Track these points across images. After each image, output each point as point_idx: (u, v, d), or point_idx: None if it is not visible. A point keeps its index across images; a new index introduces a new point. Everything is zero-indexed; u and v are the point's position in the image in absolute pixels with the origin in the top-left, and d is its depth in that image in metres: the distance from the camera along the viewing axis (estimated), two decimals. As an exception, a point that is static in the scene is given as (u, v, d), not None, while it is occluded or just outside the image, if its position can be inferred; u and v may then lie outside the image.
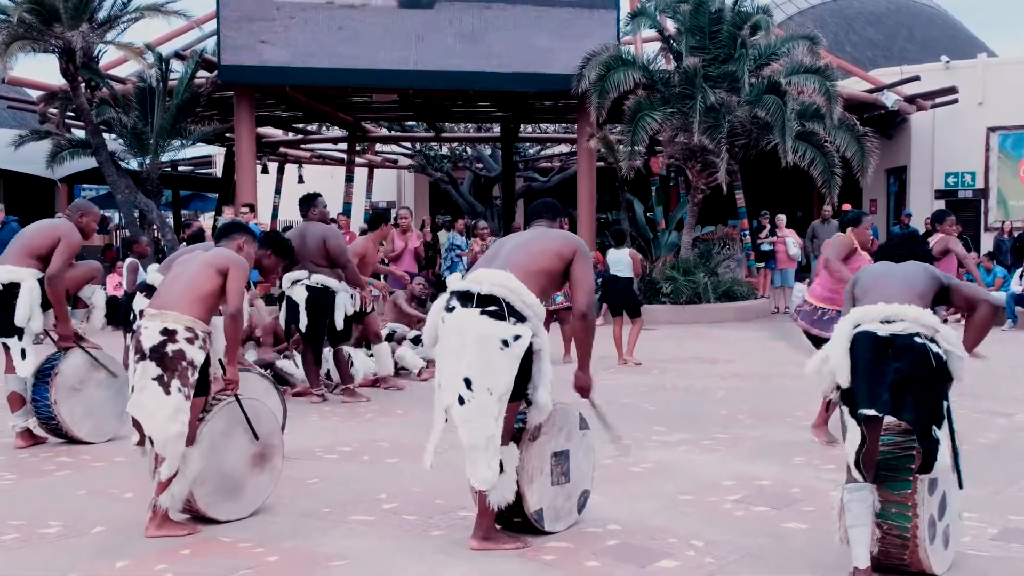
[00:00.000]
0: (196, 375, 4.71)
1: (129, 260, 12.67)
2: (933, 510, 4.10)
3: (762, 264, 18.21)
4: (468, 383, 4.25)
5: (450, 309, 4.40)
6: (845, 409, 4.11)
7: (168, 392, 4.64)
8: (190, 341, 4.70)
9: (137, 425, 4.79)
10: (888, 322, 4.03)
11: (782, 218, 18.07)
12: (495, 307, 4.28)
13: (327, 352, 8.69)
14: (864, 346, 4.03)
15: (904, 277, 4.30)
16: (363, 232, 9.85)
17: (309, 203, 8.72)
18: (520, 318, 4.29)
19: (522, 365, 4.28)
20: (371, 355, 9.36)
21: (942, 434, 3.98)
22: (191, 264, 5.01)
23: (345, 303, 8.56)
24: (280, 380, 8.63)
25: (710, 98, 15.29)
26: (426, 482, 5.45)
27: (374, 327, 9.28)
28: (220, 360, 4.95)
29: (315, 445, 6.70)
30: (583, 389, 4.63)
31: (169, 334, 4.69)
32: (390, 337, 10.08)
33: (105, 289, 7.56)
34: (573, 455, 4.73)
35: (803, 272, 18.63)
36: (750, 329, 14.34)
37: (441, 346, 4.42)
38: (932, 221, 8.72)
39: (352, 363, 8.85)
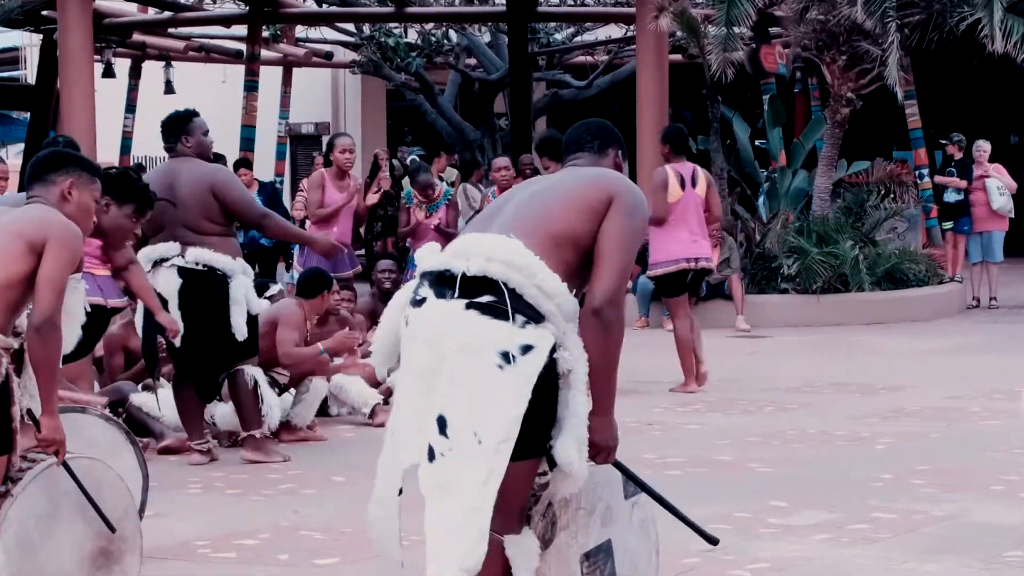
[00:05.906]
0: None
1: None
2: None
3: (950, 225, 18.13)
4: (443, 425, 4.19)
5: (418, 302, 4.35)
6: None
7: None
8: None
9: None
10: None
11: (984, 147, 17.95)
12: (491, 297, 4.24)
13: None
14: None
15: None
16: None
17: (180, 127, 8.75)
18: (534, 316, 4.24)
19: (542, 398, 4.24)
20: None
21: None
22: None
23: (247, 294, 8.55)
24: (137, 429, 8.64)
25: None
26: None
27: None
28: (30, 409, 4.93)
29: (197, 536, 6.73)
30: (603, 448, 4.44)
31: None
32: None
33: None
34: (619, 542, 4.66)
35: (1017, 234, 18.52)
36: (931, 335, 14.34)
37: (403, 366, 4.40)
38: None
39: (261, 397, 8.83)
